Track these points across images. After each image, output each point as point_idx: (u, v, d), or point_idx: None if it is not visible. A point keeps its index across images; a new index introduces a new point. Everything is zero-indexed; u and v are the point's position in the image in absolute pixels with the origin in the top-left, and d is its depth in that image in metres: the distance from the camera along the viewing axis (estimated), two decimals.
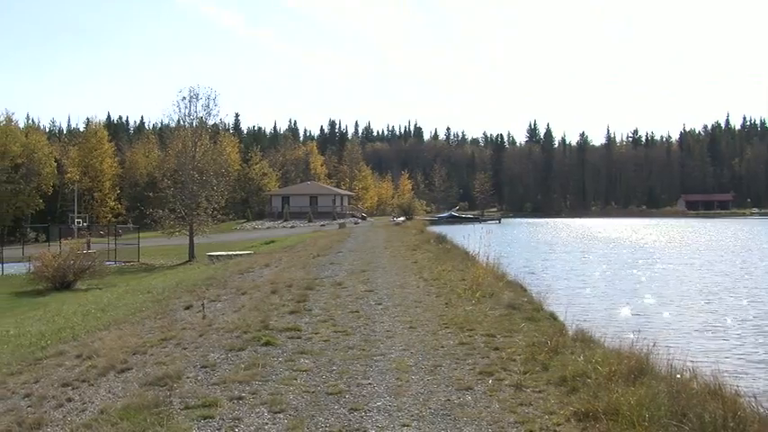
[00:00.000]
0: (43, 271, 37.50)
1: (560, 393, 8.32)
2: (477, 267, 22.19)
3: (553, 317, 14.89)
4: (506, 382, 8.84)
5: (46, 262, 37.78)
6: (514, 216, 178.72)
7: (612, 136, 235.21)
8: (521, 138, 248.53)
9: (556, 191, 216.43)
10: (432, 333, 12.17)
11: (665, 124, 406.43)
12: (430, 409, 7.92)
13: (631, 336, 10.80)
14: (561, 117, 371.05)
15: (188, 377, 9.62)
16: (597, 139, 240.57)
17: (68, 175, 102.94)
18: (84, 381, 10.19)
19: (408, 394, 8.46)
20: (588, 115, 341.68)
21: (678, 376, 8.79)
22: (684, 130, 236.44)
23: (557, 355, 9.94)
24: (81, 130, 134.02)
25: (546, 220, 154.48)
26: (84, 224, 78.65)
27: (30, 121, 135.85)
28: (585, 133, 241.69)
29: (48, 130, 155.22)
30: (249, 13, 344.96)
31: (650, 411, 7.08)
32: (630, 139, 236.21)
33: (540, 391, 8.46)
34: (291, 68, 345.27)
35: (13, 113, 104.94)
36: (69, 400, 9.27)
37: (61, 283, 37.16)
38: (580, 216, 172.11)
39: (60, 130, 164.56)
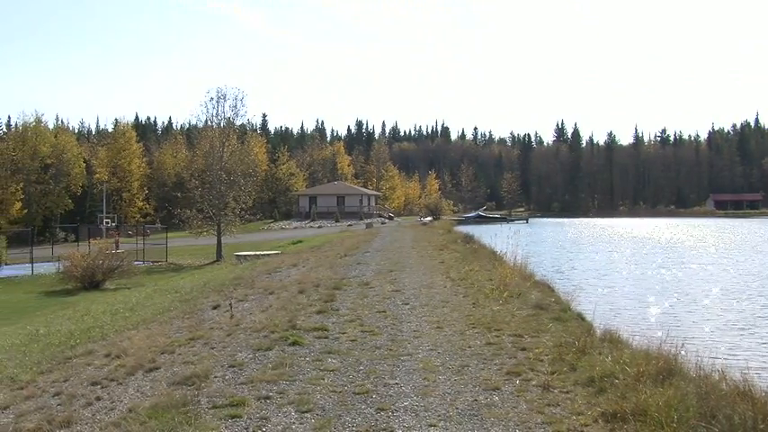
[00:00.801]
0: (72, 271, 37.84)
1: (588, 394, 8.29)
2: (504, 267, 22.15)
3: (581, 317, 14.85)
4: (534, 383, 8.82)
5: (75, 262, 38.10)
6: (542, 216, 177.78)
7: (640, 135, 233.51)
8: (548, 137, 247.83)
9: (584, 191, 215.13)
10: (459, 333, 12.14)
11: (694, 123, 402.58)
12: (457, 409, 7.91)
13: (659, 336, 10.71)
14: (589, 117, 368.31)
15: (216, 376, 9.67)
16: (625, 139, 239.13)
17: (97, 175, 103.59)
18: (112, 380, 10.29)
19: (435, 394, 8.45)
20: (616, 115, 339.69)
21: (707, 377, 8.73)
22: (713, 129, 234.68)
23: (584, 356, 9.89)
24: (109, 130, 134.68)
25: (574, 219, 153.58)
26: (113, 224, 79.12)
27: (59, 122, 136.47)
28: (613, 133, 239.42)
29: (77, 130, 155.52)
30: (276, 13, 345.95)
31: (679, 412, 7.04)
32: (659, 138, 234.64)
33: (567, 392, 8.43)
34: (319, 69, 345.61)
35: (42, 114, 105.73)
36: (98, 398, 9.36)
37: (90, 282, 37.46)
38: (608, 216, 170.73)
39: (89, 131, 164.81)
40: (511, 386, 8.74)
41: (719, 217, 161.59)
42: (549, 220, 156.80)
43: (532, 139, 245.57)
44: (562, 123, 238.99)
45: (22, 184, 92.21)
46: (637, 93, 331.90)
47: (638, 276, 36.93)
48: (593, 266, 42.81)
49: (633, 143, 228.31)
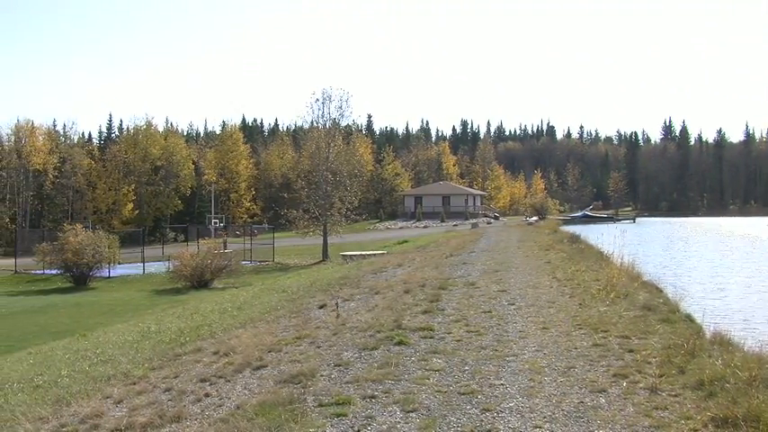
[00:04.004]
0: (182, 270, 38.77)
1: (697, 398, 8.11)
2: (611, 267, 21.84)
3: (690, 318, 14.51)
4: (641, 385, 8.68)
5: (184, 261, 39.02)
6: (649, 215, 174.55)
7: (752, 132, 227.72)
8: (655, 135, 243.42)
9: (692, 189, 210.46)
10: (565, 334, 12.01)
11: None
12: (563, 410, 7.84)
13: None
14: (697, 114, 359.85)
15: (322, 375, 9.76)
16: (735, 136, 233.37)
17: (205, 176, 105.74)
18: (221, 377, 10.47)
19: (541, 396, 8.40)
20: (725, 112, 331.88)
21: None
22: None
23: (693, 358, 9.67)
24: (217, 132, 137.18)
25: (682, 219, 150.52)
26: (221, 224, 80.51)
27: (168, 125, 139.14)
28: (723, 130, 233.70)
29: (185, 133, 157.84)
30: (381, 12, 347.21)
31: None
32: None
33: (676, 395, 8.27)
34: (423, 69, 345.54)
35: (152, 118, 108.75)
36: (207, 395, 9.53)
37: (199, 281, 38.30)
38: (718, 215, 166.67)
39: (197, 133, 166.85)
40: (618, 388, 8.62)
41: None
42: (657, 219, 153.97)
43: (639, 137, 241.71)
44: (670, 121, 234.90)
45: (133, 186, 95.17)
46: (747, 89, 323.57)
47: (751, 276, 36.00)
48: (704, 266, 41.94)
49: (744, 140, 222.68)
